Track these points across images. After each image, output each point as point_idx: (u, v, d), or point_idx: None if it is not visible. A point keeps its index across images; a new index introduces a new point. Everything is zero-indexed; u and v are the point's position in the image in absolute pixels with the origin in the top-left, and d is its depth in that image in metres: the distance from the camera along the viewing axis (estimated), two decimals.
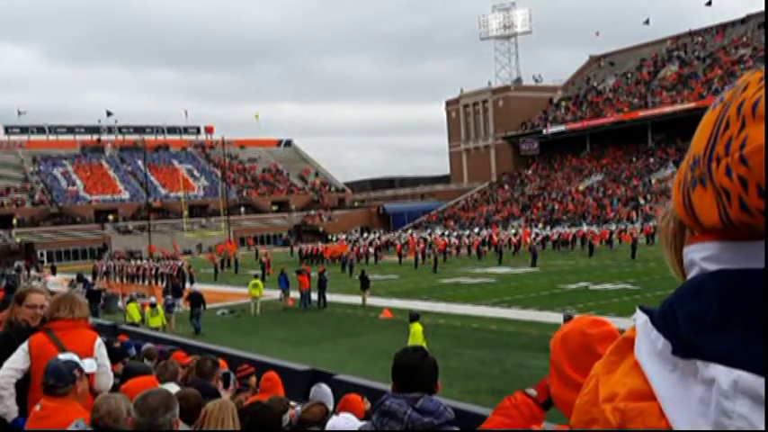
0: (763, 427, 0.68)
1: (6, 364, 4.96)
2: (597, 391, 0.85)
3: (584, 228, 60.20)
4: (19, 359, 4.98)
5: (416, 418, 3.12)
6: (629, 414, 0.79)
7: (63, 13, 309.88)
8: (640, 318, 0.86)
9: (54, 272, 54.43)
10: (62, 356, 4.51)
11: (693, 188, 0.80)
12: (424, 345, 15.94)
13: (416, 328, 16.45)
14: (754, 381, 0.69)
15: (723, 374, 0.71)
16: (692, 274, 0.84)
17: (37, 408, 4.29)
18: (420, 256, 48.86)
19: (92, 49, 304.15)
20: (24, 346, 5.09)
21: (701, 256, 0.82)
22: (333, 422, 4.20)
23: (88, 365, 4.48)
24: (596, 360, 0.92)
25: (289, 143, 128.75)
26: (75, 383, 4.29)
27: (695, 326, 0.77)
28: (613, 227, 59.52)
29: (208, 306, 33.24)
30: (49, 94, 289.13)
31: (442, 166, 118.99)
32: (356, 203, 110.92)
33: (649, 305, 0.88)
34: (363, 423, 4.31)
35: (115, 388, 5.55)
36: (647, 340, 0.83)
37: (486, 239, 57.74)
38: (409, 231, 78.80)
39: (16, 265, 43.01)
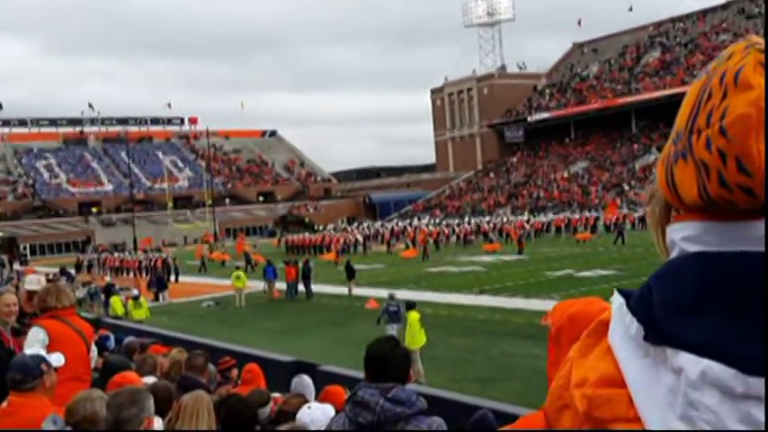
0: (730, 421, 0.66)
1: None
2: (570, 375, 0.82)
3: (576, 214, 60.39)
4: (39, 350, 4.91)
5: (388, 408, 3.12)
6: (597, 401, 0.76)
7: (56, 6, 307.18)
8: (616, 300, 0.83)
9: (24, 264, 54.12)
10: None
11: (675, 163, 0.77)
12: (422, 333, 15.97)
13: (413, 316, 16.35)
14: (723, 372, 0.66)
15: (691, 364, 0.69)
16: (673, 254, 0.80)
17: (3, 404, 4.17)
18: (410, 244, 48.66)
19: (84, 41, 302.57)
20: (39, 335, 5.31)
21: (681, 236, 0.78)
22: (300, 414, 4.11)
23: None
24: None
25: (273, 133, 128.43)
26: (43, 378, 4.18)
27: (668, 311, 0.74)
28: (596, 213, 59.68)
29: (193, 298, 33.21)
30: (41, 87, 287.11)
31: (429, 155, 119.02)
32: (339, 194, 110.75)
33: (629, 288, 0.84)
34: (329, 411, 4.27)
35: (96, 383, 5.50)
36: (622, 324, 0.80)
37: (474, 228, 57.72)
38: (396, 220, 78.69)
39: None
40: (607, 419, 0.75)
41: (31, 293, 6.79)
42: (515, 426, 0.96)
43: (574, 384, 0.80)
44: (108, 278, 36.39)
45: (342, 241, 53.82)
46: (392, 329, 17.32)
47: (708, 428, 0.67)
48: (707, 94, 0.73)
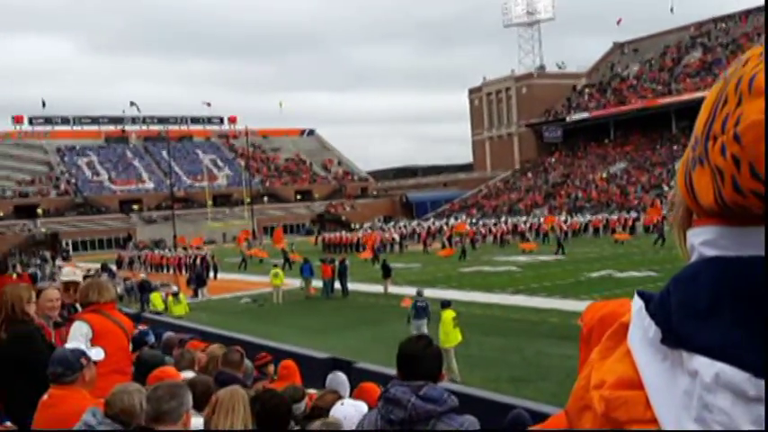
0: (743, 423, 0.66)
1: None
2: (591, 376, 0.83)
3: (614, 216, 59.75)
4: (82, 344, 5.05)
5: (420, 405, 3.14)
6: (614, 403, 0.77)
7: (98, 5, 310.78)
8: (636, 303, 0.84)
9: (66, 259, 54.96)
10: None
11: (694, 168, 0.77)
12: (457, 332, 15.95)
13: (447, 314, 16.33)
14: (736, 375, 0.67)
15: (705, 367, 0.69)
16: (692, 258, 0.81)
17: (45, 397, 4.31)
18: (447, 243, 48.55)
19: (126, 40, 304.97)
20: (83, 329, 5.45)
21: (699, 241, 0.79)
22: (334, 410, 4.20)
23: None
24: None
25: (312, 132, 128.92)
26: (83, 371, 4.31)
27: (685, 314, 0.74)
28: (634, 214, 58.90)
29: (232, 294, 33.51)
30: (84, 85, 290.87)
31: (466, 155, 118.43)
32: (375, 192, 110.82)
33: (650, 290, 0.85)
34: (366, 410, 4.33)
35: (132, 378, 5.63)
36: (641, 327, 0.80)
37: (511, 228, 57.42)
38: (433, 219, 78.58)
39: (42, 254, 43.51)
40: (624, 421, 0.75)
41: (67, 285, 6.97)
42: (543, 426, 0.97)
43: (593, 386, 0.81)
44: (143, 275, 36.80)
45: (378, 240, 53.88)
46: (420, 326, 17.48)
47: (721, 430, 0.67)
48: (723, 99, 0.73)
